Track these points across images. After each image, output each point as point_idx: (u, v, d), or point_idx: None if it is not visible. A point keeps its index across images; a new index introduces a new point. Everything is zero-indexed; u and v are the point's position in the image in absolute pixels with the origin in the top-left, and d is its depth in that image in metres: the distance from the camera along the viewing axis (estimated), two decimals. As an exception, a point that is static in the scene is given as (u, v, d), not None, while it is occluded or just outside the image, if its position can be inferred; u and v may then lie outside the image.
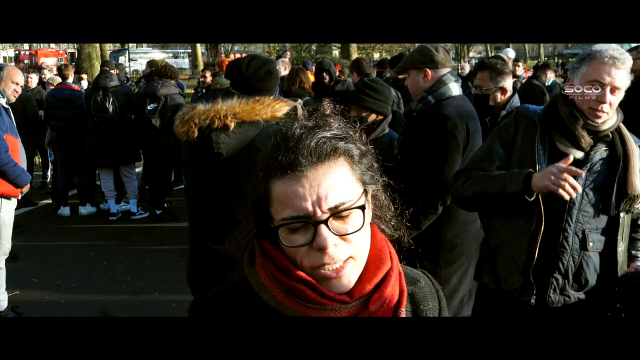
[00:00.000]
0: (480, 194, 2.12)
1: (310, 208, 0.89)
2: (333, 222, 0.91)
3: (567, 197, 1.88)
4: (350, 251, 0.92)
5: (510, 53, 9.62)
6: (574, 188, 1.87)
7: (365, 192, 0.97)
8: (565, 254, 2.06)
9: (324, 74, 6.08)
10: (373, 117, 3.18)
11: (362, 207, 0.93)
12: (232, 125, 2.20)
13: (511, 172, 2.08)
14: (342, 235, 0.91)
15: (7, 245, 4.14)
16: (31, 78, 8.32)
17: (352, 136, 0.98)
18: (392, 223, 1.07)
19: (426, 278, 1.12)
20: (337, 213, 0.91)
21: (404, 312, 0.98)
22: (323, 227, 0.89)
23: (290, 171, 0.91)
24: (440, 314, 1.09)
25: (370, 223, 1.01)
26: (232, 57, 21.09)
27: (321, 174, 0.91)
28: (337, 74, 8.56)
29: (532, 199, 1.98)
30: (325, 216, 0.90)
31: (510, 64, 6.81)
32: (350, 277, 0.94)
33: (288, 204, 0.91)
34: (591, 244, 2.05)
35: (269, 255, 0.98)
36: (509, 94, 3.57)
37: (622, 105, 2.07)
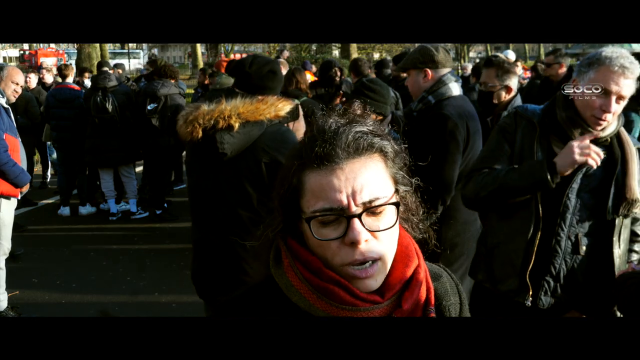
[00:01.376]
0: (499, 189, 2.08)
1: (344, 201, 0.89)
2: (366, 218, 0.90)
3: (595, 165, 1.94)
4: (380, 250, 0.91)
5: (510, 54, 9.59)
6: (598, 154, 1.93)
7: (397, 191, 0.96)
8: (557, 257, 2.04)
9: (337, 70, 6.03)
10: (372, 117, 3.18)
11: (397, 204, 0.93)
12: (237, 125, 2.20)
13: (528, 163, 2.06)
14: (373, 232, 0.90)
15: (7, 245, 4.14)
16: (30, 78, 8.31)
17: (386, 135, 0.98)
18: (420, 226, 1.06)
19: (446, 273, 1.12)
20: (370, 208, 0.90)
21: (433, 311, 0.98)
22: (356, 221, 0.89)
23: (327, 162, 0.90)
24: (461, 308, 1.09)
25: None
26: (232, 57, 21.10)
27: (357, 167, 0.90)
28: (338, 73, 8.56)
29: (555, 183, 2.00)
30: (359, 210, 0.89)
31: (510, 65, 6.83)
32: (377, 277, 0.93)
33: (322, 196, 0.90)
34: (584, 247, 2.03)
35: (297, 255, 0.96)
36: (513, 93, 3.56)
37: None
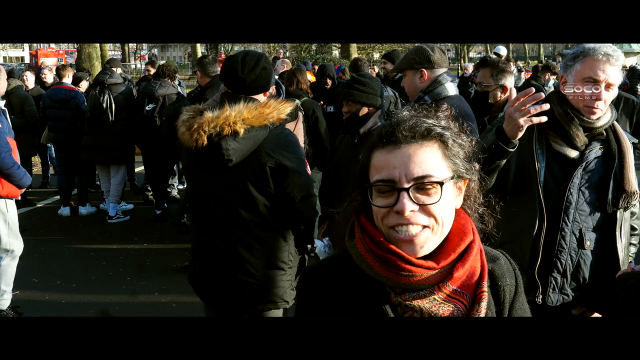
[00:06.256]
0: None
1: (397, 175, 1.05)
2: (415, 192, 1.04)
3: (544, 120, 1.82)
4: (426, 220, 1.05)
5: (502, 51, 9.65)
6: (538, 111, 1.80)
7: (460, 177, 1.10)
8: (563, 253, 2.06)
9: (327, 80, 6.11)
10: (365, 110, 3.20)
11: (441, 183, 1.05)
12: (242, 131, 2.20)
13: (488, 129, 2.10)
14: (421, 205, 1.04)
15: (20, 243, 4.17)
16: (26, 76, 8.21)
17: (451, 129, 1.11)
18: (480, 211, 1.20)
19: (504, 257, 1.24)
20: (419, 184, 1.04)
21: (485, 286, 1.09)
22: (404, 194, 1.04)
23: (388, 142, 1.07)
24: (517, 290, 1.20)
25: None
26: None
27: (413, 149, 1.06)
28: (339, 74, 8.58)
29: (514, 148, 1.91)
30: (407, 185, 1.04)
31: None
32: (424, 243, 1.06)
33: (381, 170, 1.07)
34: (588, 242, 2.06)
35: (365, 230, 1.12)
36: (508, 92, 3.56)
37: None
